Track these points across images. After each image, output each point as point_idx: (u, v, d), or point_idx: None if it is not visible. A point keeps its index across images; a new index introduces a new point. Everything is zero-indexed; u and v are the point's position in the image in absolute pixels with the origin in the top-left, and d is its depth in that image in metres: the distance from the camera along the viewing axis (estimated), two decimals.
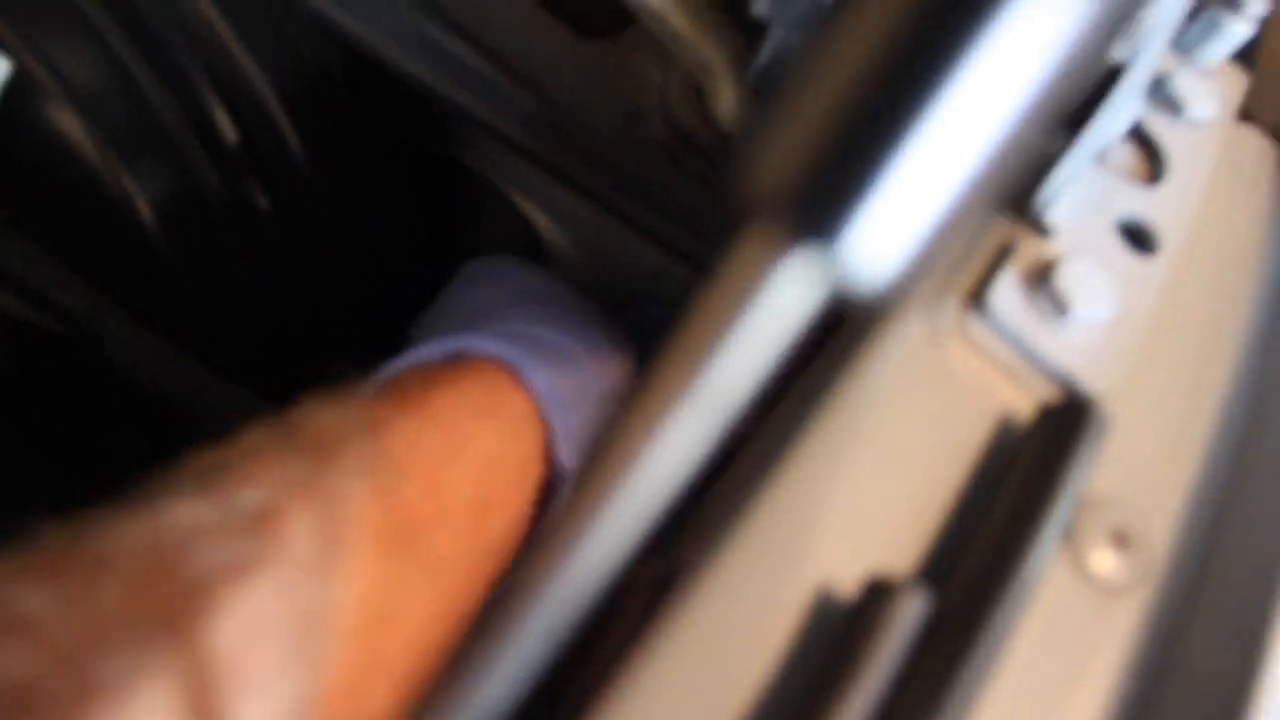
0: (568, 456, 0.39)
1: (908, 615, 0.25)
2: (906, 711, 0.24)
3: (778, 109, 0.16)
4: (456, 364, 0.38)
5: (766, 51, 0.41)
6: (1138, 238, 0.38)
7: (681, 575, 0.27)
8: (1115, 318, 0.34)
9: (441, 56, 0.50)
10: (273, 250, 0.55)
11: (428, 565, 0.31)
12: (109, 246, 0.55)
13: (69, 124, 0.50)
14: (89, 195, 0.52)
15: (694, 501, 0.32)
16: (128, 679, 0.23)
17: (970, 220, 0.16)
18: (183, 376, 0.63)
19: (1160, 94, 0.43)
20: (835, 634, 0.26)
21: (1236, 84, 0.47)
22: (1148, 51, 0.36)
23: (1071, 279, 0.34)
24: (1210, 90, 0.44)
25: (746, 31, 0.44)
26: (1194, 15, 0.44)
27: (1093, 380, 0.33)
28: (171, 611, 0.24)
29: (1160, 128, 0.42)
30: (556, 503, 0.39)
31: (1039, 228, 0.35)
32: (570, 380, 0.40)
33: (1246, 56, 0.47)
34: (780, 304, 0.16)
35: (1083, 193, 0.37)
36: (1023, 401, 0.32)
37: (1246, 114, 0.47)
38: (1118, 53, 0.36)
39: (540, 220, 0.55)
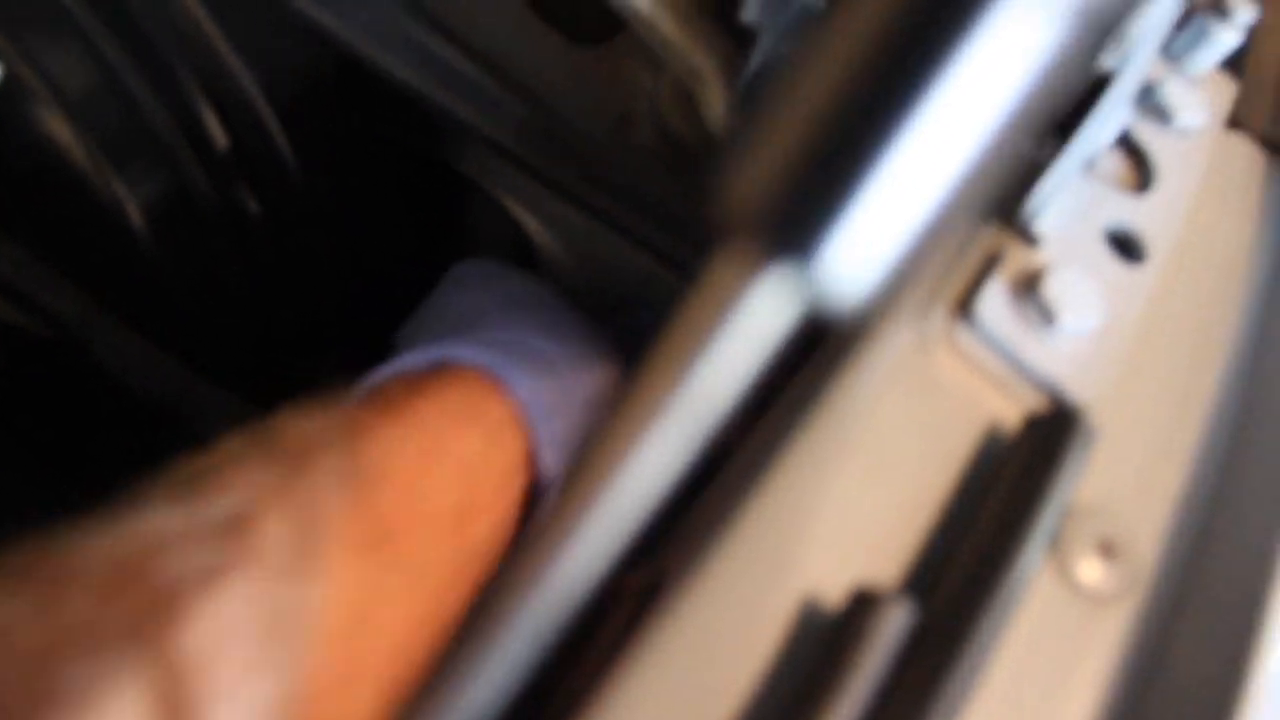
0: (552, 463, 0.39)
1: (892, 626, 0.25)
2: None
3: (754, 127, 0.16)
4: (438, 372, 0.38)
5: (756, 59, 0.41)
6: (1126, 247, 0.38)
7: (667, 584, 0.27)
8: (1103, 327, 0.34)
9: (432, 62, 0.50)
10: (262, 254, 0.55)
11: (407, 570, 0.31)
12: (98, 250, 0.55)
13: (58, 128, 0.50)
14: (78, 199, 0.52)
15: (681, 510, 0.32)
16: (95, 686, 0.23)
17: (947, 236, 0.16)
18: (172, 380, 0.63)
19: (1149, 102, 0.43)
20: (820, 644, 0.26)
21: (1225, 92, 0.47)
22: (1136, 59, 0.36)
23: (1059, 288, 0.34)
24: (1199, 98, 0.44)
25: (737, 38, 0.44)
26: (1183, 23, 0.44)
27: (1080, 390, 0.33)
28: (141, 618, 0.25)
29: (1149, 136, 0.42)
30: (540, 509, 0.39)
31: (1027, 236, 0.35)
32: (553, 387, 0.40)
33: (1235, 64, 0.47)
34: (756, 320, 0.16)
35: (1071, 201, 0.37)
36: (1010, 411, 0.32)
37: (1235, 122, 0.47)
38: (1106, 61, 0.36)
39: (531, 225, 0.55)
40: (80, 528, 0.26)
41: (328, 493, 0.29)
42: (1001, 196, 0.35)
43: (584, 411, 0.41)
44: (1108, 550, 0.30)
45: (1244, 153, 0.46)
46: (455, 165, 0.55)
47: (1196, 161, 0.43)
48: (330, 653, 0.28)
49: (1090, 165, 0.39)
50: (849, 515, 0.29)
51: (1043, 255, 0.35)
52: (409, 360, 0.39)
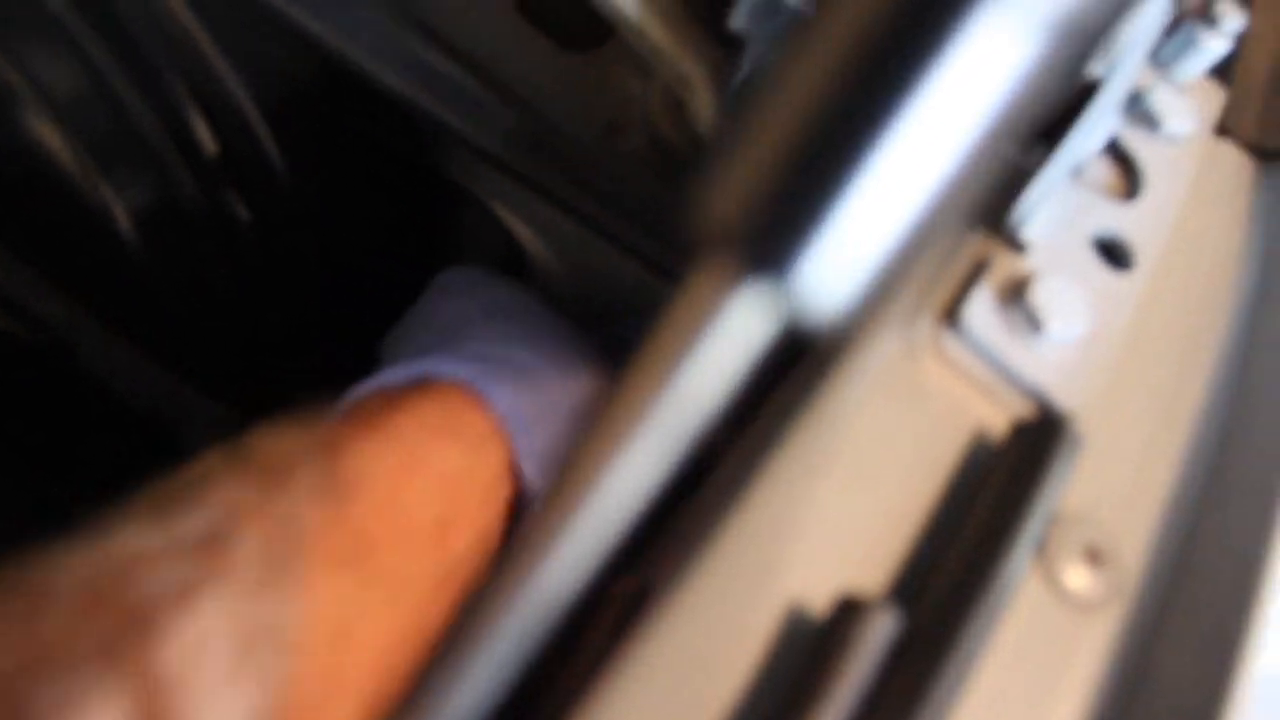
0: (534, 475, 0.39)
1: (878, 633, 0.25)
2: None
3: (731, 142, 0.16)
4: (418, 387, 0.39)
5: (745, 67, 0.41)
6: (1113, 254, 0.38)
7: (653, 592, 0.27)
8: (1090, 334, 0.34)
9: (421, 69, 0.50)
10: (250, 258, 0.55)
11: (387, 584, 0.31)
12: (86, 255, 0.55)
13: (46, 132, 0.50)
14: (66, 204, 0.52)
15: (668, 516, 0.32)
16: (70, 705, 0.23)
17: (925, 251, 0.16)
18: (158, 384, 0.63)
19: (1137, 109, 0.43)
20: (806, 652, 0.26)
21: (1213, 99, 0.47)
22: (1124, 67, 0.36)
23: (1046, 295, 0.34)
24: (1187, 105, 0.44)
25: (726, 45, 0.44)
26: (1171, 30, 0.45)
27: (1067, 397, 0.33)
28: (116, 636, 0.25)
29: (1137, 143, 0.42)
30: (523, 521, 0.39)
31: (1014, 244, 0.35)
32: (535, 399, 0.40)
33: (1223, 72, 0.47)
34: (734, 336, 0.16)
35: (1058, 208, 0.37)
36: (997, 418, 0.32)
37: (1223, 129, 0.47)
38: (1094, 68, 0.36)
39: (522, 232, 0.55)
40: (56, 548, 0.26)
41: (305, 507, 0.29)
42: (989, 204, 0.35)
43: (568, 422, 0.41)
44: (1094, 557, 0.30)
45: (1232, 160, 0.46)
46: (445, 171, 0.55)
47: (1185, 169, 0.43)
48: (311, 666, 0.28)
49: (1078, 172, 0.39)
50: (835, 522, 0.29)
51: (1030, 262, 0.35)
52: (390, 376, 0.40)
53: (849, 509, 0.29)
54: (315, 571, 0.29)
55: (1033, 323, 0.33)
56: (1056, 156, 0.35)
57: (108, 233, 0.51)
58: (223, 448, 0.31)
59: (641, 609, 0.27)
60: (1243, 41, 0.47)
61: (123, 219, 0.51)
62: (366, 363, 0.42)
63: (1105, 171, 0.41)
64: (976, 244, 0.35)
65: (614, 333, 0.51)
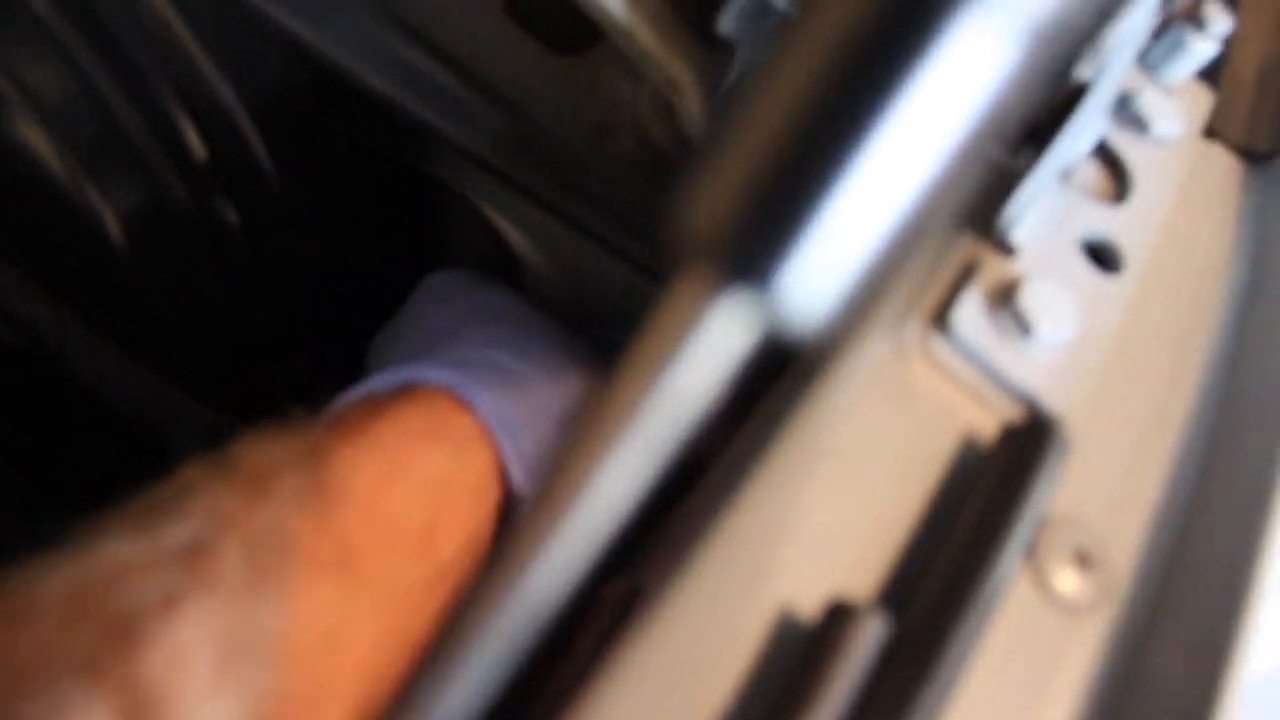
0: (521, 478, 0.39)
1: (868, 638, 0.25)
2: None
3: (710, 151, 0.16)
4: (402, 393, 0.38)
5: (734, 70, 0.41)
6: (1102, 257, 0.38)
7: (643, 596, 0.27)
8: (1079, 337, 0.34)
9: (409, 72, 0.50)
10: (240, 262, 0.55)
11: (373, 589, 0.31)
12: (73, 258, 0.55)
13: (34, 137, 0.50)
14: (55, 209, 0.52)
15: (659, 520, 0.32)
16: (52, 718, 0.23)
17: (907, 258, 0.16)
18: (144, 387, 0.63)
19: (1125, 112, 0.43)
20: (796, 657, 0.26)
21: (1202, 102, 0.47)
22: (1113, 69, 0.36)
23: (1035, 299, 0.34)
24: (1175, 108, 0.44)
25: (715, 48, 0.44)
26: (1159, 33, 0.45)
27: (1056, 400, 0.33)
28: (99, 648, 0.25)
29: (1125, 146, 0.42)
30: (511, 525, 0.39)
31: (1003, 247, 0.35)
32: (521, 402, 0.40)
33: (1211, 74, 0.47)
34: (716, 344, 0.16)
35: (1047, 211, 0.37)
36: (986, 421, 0.32)
37: (1212, 131, 0.47)
38: (1083, 71, 0.36)
39: (512, 235, 0.55)
40: (39, 559, 0.26)
41: (289, 515, 0.29)
42: (978, 206, 0.35)
43: (557, 424, 0.41)
44: (1084, 560, 0.30)
45: (1220, 162, 0.46)
46: (434, 174, 0.55)
47: (1173, 171, 0.43)
48: (297, 673, 0.28)
49: (1067, 175, 0.39)
50: (825, 526, 0.29)
51: (1019, 265, 0.35)
52: (375, 383, 0.40)
53: (839, 512, 0.29)
54: (300, 579, 0.29)
55: (1022, 326, 0.33)
56: (1045, 159, 0.35)
57: (95, 236, 0.51)
58: (206, 458, 0.31)
59: (632, 613, 0.27)
60: (1230, 44, 0.47)
61: (110, 222, 0.51)
62: (355, 365, 0.42)
63: (1094, 174, 0.41)
64: (965, 247, 0.35)
65: (604, 335, 0.51)
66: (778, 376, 0.33)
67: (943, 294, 0.34)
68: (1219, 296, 0.40)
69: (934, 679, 0.25)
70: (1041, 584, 0.29)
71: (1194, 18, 0.44)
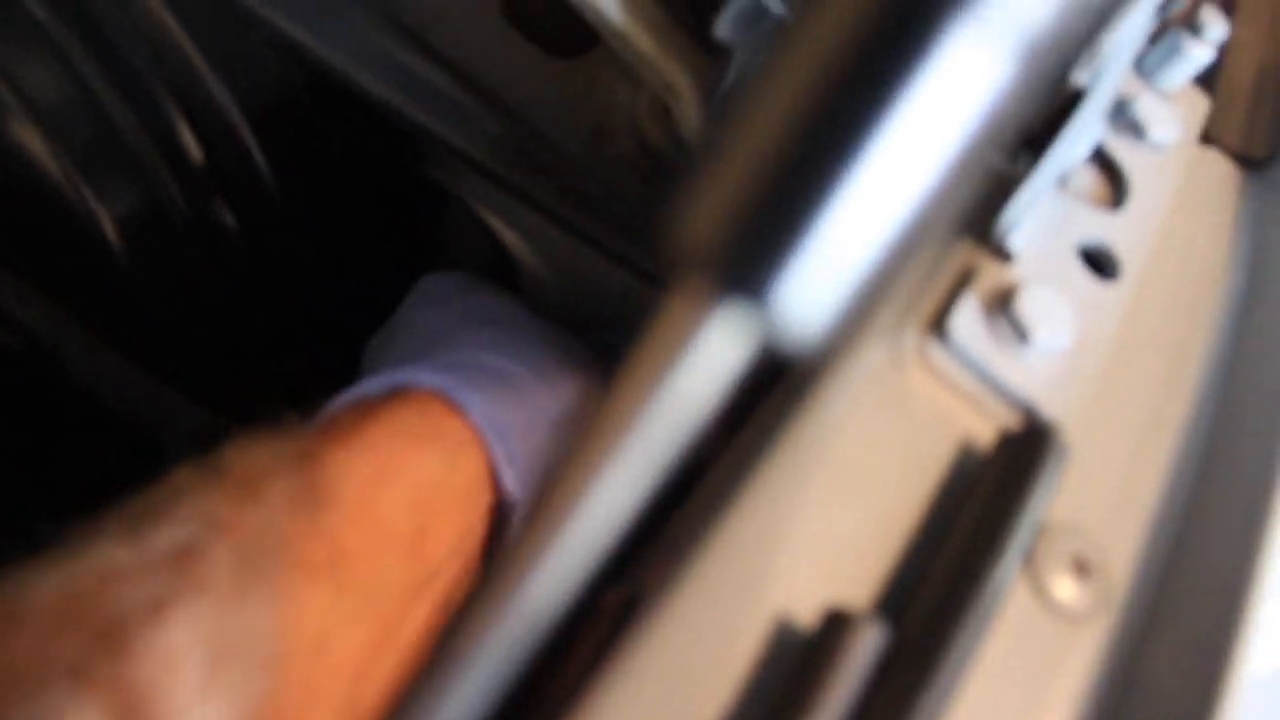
0: (512, 483, 0.39)
1: (865, 646, 0.25)
2: None
3: (705, 163, 0.16)
4: (394, 396, 0.38)
5: (730, 75, 0.41)
6: (1099, 263, 0.38)
7: (641, 604, 0.27)
8: (1076, 344, 0.34)
9: (407, 76, 0.50)
10: (236, 265, 0.55)
11: (363, 592, 0.31)
12: (70, 261, 0.55)
13: (31, 140, 0.50)
14: (50, 211, 0.52)
15: (657, 528, 0.32)
16: None
17: (903, 270, 0.16)
18: (140, 388, 0.63)
19: (1122, 117, 0.43)
20: (793, 665, 0.26)
21: (1198, 107, 0.47)
22: (1109, 75, 0.36)
23: (1032, 305, 0.34)
24: (1172, 114, 0.44)
25: (712, 52, 0.44)
26: (1155, 39, 0.45)
27: (1053, 407, 0.33)
28: (88, 653, 0.25)
29: (1122, 151, 0.42)
30: (506, 529, 0.39)
31: (1000, 253, 0.35)
32: (514, 406, 0.40)
33: (1208, 80, 0.47)
34: (712, 357, 0.16)
35: (1044, 218, 0.37)
36: (983, 429, 0.32)
37: (1208, 137, 0.47)
38: (1079, 77, 0.36)
39: (509, 238, 0.55)
40: (31, 566, 0.26)
41: (278, 519, 0.29)
42: (975, 213, 0.35)
43: (554, 428, 0.41)
44: (1081, 568, 0.30)
45: (1217, 168, 0.46)
46: (431, 177, 0.55)
47: (1170, 177, 0.43)
48: (287, 676, 0.28)
49: (1064, 181, 0.39)
50: (822, 534, 0.29)
51: (1016, 272, 0.35)
52: (368, 386, 0.40)
53: (836, 520, 0.29)
54: (290, 582, 0.29)
55: (1019, 332, 0.33)
56: (1042, 165, 0.35)
57: (92, 239, 0.51)
58: (196, 462, 0.31)
59: (630, 621, 0.27)
60: (1226, 50, 0.48)
61: (106, 225, 0.50)
62: (351, 368, 0.42)
63: (1091, 180, 0.41)
64: (962, 253, 0.35)
65: (601, 338, 0.51)
66: (775, 384, 0.33)
67: (940, 300, 0.34)
68: (1216, 302, 0.41)
69: (931, 687, 0.25)
70: (1039, 591, 0.29)
71: (1190, 24, 0.44)
